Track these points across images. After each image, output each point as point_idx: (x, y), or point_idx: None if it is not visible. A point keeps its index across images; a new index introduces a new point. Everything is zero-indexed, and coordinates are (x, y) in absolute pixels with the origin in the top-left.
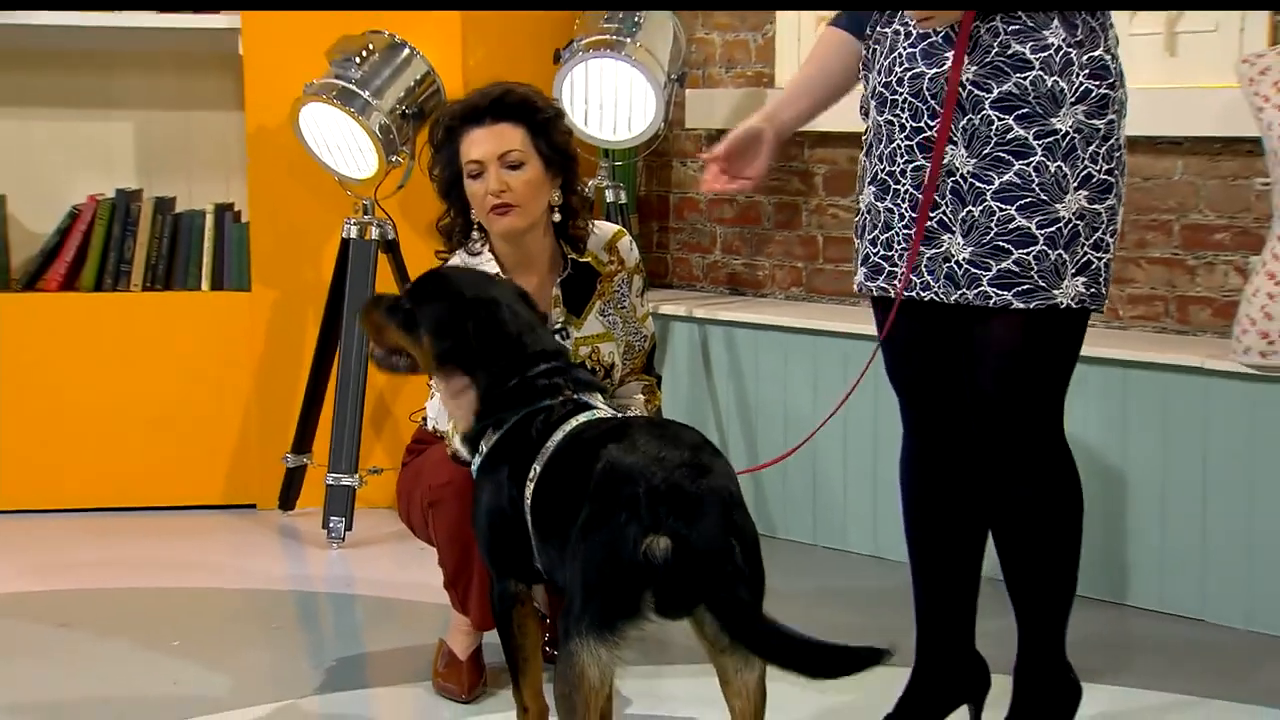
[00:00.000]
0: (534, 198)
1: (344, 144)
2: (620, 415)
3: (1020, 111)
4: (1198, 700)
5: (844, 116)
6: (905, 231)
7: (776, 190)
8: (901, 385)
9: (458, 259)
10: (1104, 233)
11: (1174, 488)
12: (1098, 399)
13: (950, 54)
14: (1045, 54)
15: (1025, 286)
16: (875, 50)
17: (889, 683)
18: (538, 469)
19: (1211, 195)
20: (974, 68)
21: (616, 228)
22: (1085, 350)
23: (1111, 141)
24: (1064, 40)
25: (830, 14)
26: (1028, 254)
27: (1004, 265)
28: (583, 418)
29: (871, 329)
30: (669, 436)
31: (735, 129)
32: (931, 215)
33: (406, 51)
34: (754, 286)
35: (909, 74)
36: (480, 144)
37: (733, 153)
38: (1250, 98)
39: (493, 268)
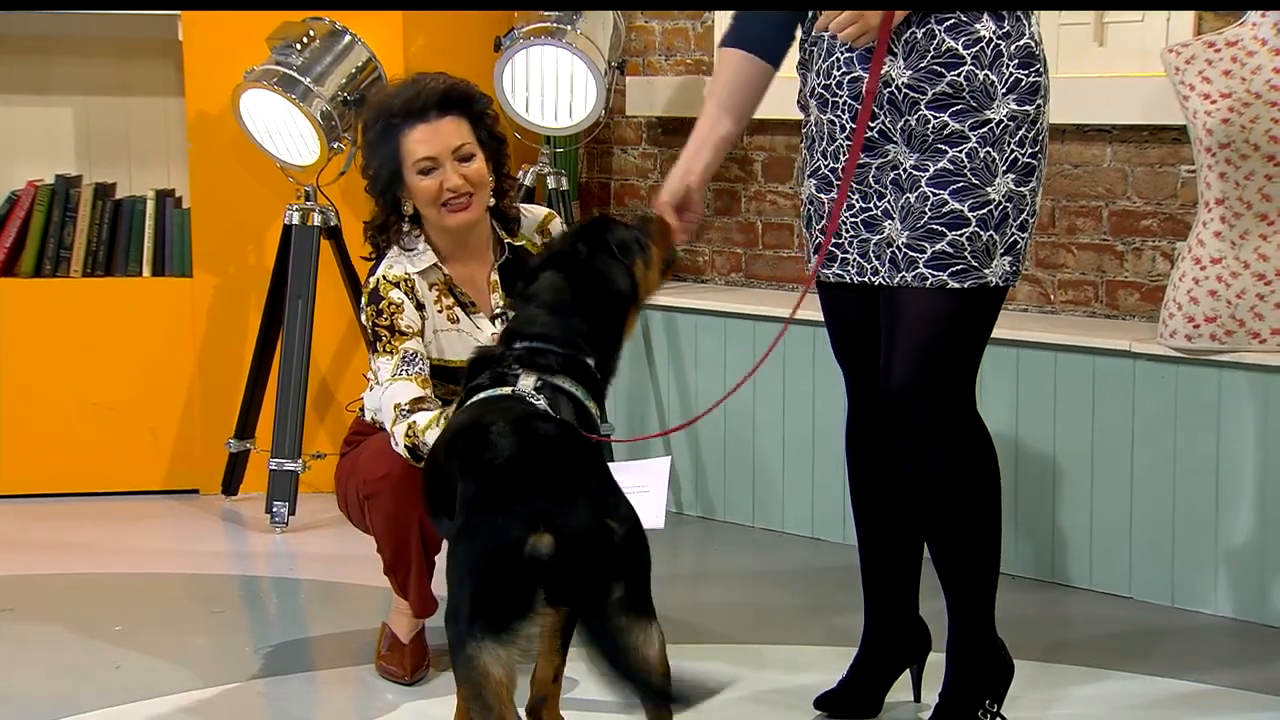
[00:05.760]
0: (484, 186)
1: (285, 130)
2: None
3: (955, 108)
4: (1126, 675)
5: (781, 104)
6: (854, 220)
7: (716, 177)
8: (847, 360)
9: (394, 252)
10: (1027, 214)
11: (1102, 468)
12: (1028, 382)
13: (886, 59)
14: (976, 48)
15: (959, 267)
16: (813, 52)
17: (838, 659)
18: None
19: (1139, 182)
20: (909, 72)
21: (547, 210)
22: (1017, 334)
23: (1038, 126)
24: (993, 32)
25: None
26: (961, 235)
27: (939, 247)
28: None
29: (808, 313)
30: (531, 433)
31: (663, 192)
32: (877, 205)
33: (347, 39)
34: (694, 272)
35: (848, 77)
36: (431, 140)
37: (673, 206)
38: (1176, 86)
39: (429, 258)
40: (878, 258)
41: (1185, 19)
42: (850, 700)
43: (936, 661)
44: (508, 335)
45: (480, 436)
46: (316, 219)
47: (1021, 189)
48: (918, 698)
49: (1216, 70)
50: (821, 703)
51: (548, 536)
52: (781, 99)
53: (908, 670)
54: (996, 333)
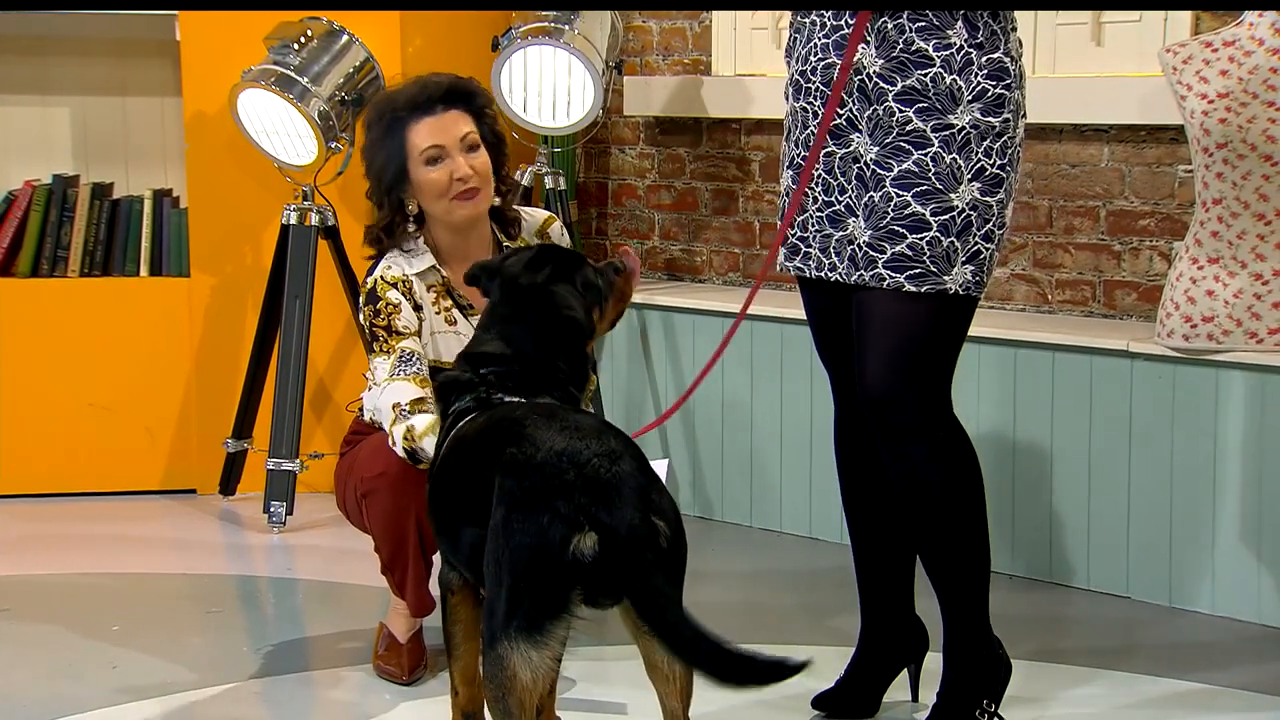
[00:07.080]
0: (490, 180)
1: (283, 130)
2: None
3: (920, 105)
4: (1123, 675)
5: (780, 103)
6: (819, 214)
7: (714, 177)
8: (828, 358)
9: (392, 253)
10: (994, 225)
11: (1099, 468)
12: (1025, 381)
13: (859, 46)
14: (947, 53)
15: (917, 270)
16: (795, 39)
17: (836, 659)
18: (435, 463)
19: (1136, 182)
20: (880, 61)
21: (547, 214)
22: (1014, 334)
23: (1006, 138)
24: (965, 40)
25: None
26: (921, 239)
27: (898, 249)
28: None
29: (804, 313)
30: (569, 426)
31: None
32: (839, 200)
33: (345, 38)
34: (691, 272)
35: (821, 63)
36: (438, 130)
37: None
38: (1174, 86)
39: (428, 260)
40: (838, 254)
41: (1183, 19)
42: (848, 700)
43: (935, 661)
44: (472, 358)
45: (518, 430)
46: (314, 219)
47: (988, 199)
48: (915, 697)
49: (1214, 70)
50: (819, 703)
51: (592, 536)
52: (779, 98)
53: (905, 670)
54: (993, 332)
